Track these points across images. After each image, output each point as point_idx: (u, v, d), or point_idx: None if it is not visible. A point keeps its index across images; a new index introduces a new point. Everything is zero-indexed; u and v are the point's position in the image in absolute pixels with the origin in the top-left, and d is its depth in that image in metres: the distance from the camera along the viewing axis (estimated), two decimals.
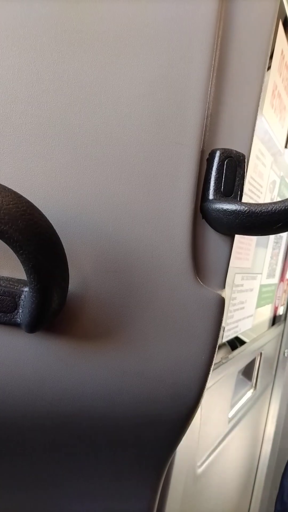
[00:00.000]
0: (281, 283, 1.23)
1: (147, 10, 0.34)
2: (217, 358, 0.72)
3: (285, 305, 1.39)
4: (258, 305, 0.95)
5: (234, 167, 0.36)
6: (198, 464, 0.70)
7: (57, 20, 0.32)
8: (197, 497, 0.72)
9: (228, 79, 0.37)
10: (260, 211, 0.34)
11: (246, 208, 0.34)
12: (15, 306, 0.31)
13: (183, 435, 0.40)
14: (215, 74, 0.37)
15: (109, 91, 0.33)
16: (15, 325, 0.31)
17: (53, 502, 0.39)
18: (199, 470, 0.71)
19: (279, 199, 0.90)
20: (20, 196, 0.25)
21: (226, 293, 0.63)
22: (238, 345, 0.86)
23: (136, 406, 0.37)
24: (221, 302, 0.38)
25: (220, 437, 0.81)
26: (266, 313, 1.11)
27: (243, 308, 0.77)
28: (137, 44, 0.34)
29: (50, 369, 0.34)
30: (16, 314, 0.31)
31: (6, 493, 0.38)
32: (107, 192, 0.34)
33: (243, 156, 0.37)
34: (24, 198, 0.25)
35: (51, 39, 0.32)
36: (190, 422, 0.40)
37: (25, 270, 0.26)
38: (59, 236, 0.29)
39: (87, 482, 0.40)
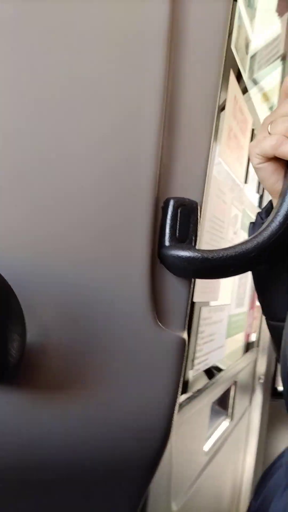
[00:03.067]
0: (251, 310, 1.26)
1: (96, 66, 0.36)
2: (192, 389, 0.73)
3: (257, 332, 1.42)
4: (229, 335, 0.97)
5: (188, 215, 0.39)
6: (175, 501, 0.69)
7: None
8: None
9: (179, 129, 0.40)
10: (212, 257, 0.36)
11: (199, 255, 0.36)
12: None
13: (152, 477, 0.40)
14: (166, 126, 0.39)
15: (64, 147, 0.35)
16: None
17: None
18: (176, 508, 0.70)
19: (242, 232, 0.93)
20: None
21: (193, 328, 0.64)
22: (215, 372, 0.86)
23: (102, 453, 0.37)
24: (182, 343, 0.39)
25: (196, 472, 0.81)
26: (239, 341, 1.13)
27: (212, 340, 0.79)
28: (88, 101, 0.35)
29: (11, 421, 0.34)
30: None
31: None
32: (64, 243, 0.35)
33: (196, 203, 0.39)
34: None
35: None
36: (159, 464, 0.40)
37: None
38: (15, 287, 0.29)
39: None
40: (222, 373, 0.93)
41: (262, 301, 0.48)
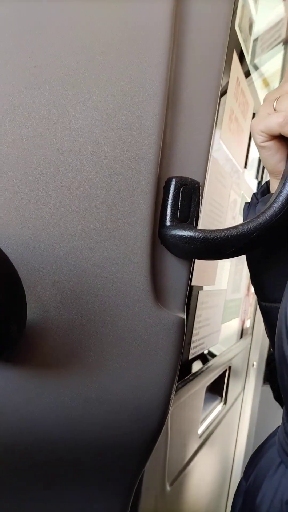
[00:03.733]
0: (247, 297, 1.26)
1: (100, 43, 0.35)
2: (186, 374, 0.73)
3: (252, 318, 1.43)
4: (225, 320, 0.98)
5: (190, 194, 0.38)
6: (169, 481, 0.70)
7: (12, 54, 0.33)
8: None
9: (182, 109, 0.39)
10: (214, 237, 0.35)
11: (200, 235, 0.35)
12: None
13: (149, 457, 0.40)
14: (169, 105, 0.38)
15: (66, 124, 0.34)
16: None
17: None
18: (170, 488, 0.71)
19: (240, 217, 0.93)
20: None
21: (190, 312, 0.64)
22: (209, 358, 0.87)
23: (100, 432, 0.37)
24: (181, 324, 0.39)
25: (190, 454, 0.82)
26: (233, 326, 1.14)
27: (208, 324, 0.79)
28: (92, 77, 0.35)
29: (10, 398, 0.34)
30: None
31: None
32: (65, 220, 0.34)
33: (198, 183, 0.39)
34: None
35: (9, 71, 0.33)
36: (155, 444, 0.40)
37: None
38: (17, 265, 0.29)
39: (54, 507, 0.40)
40: (216, 358, 0.93)
41: (255, 283, 0.48)
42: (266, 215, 0.37)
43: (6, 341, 0.30)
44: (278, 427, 0.52)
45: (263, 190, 0.47)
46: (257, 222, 0.36)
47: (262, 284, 0.46)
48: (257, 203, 0.46)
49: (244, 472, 0.57)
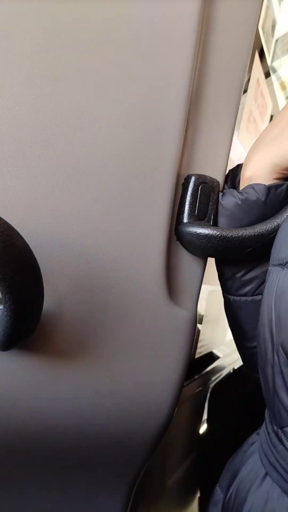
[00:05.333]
0: None
1: (125, 40, 0.35)
2: (190, 374, 0.73)
3: None
4: None
5: (208, 193, 0.38)
6: (169, 477, 0.70)
7: (40, 45, 0.33)
8: (170, 507, 0.72)
9: (205, 108, 0.39)
10: (231, 236, 0.35)
11: (218, 233, 0.35)
12: None
13: (155, 451, 0.41)
14: (192, 103, 0.38)
15: (88, 117, 0.34)
16: None
17: None
18: (170, 483, 0.71)
19: None
20: None
21: (198, 311, 0.64)
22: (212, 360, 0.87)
23: (108, 424, 0.38)
24: (193, 321, 0.39)
25: (190, 452, 0.82)
26: None
27: (216, 324, 0.79)
28: (115, 73, 0.35)
29: (23, 387, 0.34)
30: None
31: None
32: (84, 214, 0.34)
33: (217, 182, 0.39)
34: (2, 219, 0.26)
35: (33, 63, 0.33)
36: (161, 440, 0.40)
37: (0, 290, 0.27)
38: (36, 256, 0.29)
39: (59, 497, 0.40)
40: (221, 359, 0.93)
41: (221, 275, 0.45)
42: (284, 215, 0.37)
43: (21, 330, 0.30)
44: (257, 432, 0.49)
45: (231, 178, 0.43)
46: (275, 223, 0.36)
47: (231, 277, 0.43)
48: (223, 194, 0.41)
49: (220, 480, 0.52)
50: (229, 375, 0.84)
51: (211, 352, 0.86)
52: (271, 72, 0.91)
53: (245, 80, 0.72)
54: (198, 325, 0.71)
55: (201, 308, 0.69)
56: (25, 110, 0.33)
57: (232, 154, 0.68)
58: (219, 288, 0.47)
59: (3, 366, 0.33)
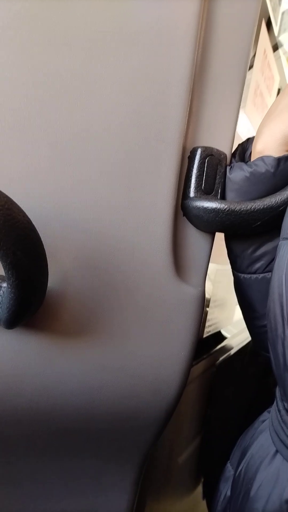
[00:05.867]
0: None
1: (128, 9, 0.34)
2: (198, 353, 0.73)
3: None
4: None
5: (215, 165, 0.37)
6: (178, 454, 0.71)
7: (40, 17, 0.32)
8: (179, 486, 0.73)
9: (210, 77, 0.38)
10: (240, 209, 0.34)
11: (226, 206, 0.34)
12: None
13: (163, 429, 0.40)
14: (197, 72, 0.37)
15: (90, 88, 0.33)
16: None
17: (32, 498, 0.39)
18: (180, 460, 0.72)
19: None
20: None
21: (206, 291, 0.63)
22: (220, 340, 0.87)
23: (117, 401, 0.37)
24: (201, 298, 0.38)
25: (199, 429, 0.82)
26: None
27: (224, 304, 0.78)
28: (119, 42, 0.34)
29: (29, 365, 0.34)
30: None
31: None
32: (87, 188, 0.33)
33: (224, 154, 0.37)
34: (2, 193, 0.25)
35: (31, 33, 0.32)
36: (170, 417, 0.40)
37: (3, 265, 0.26)
38: (39, 231, 0.28)
39: (68, 476, 0.40)
40: (229, 339, 0.93)
41: (230, 252, 0.44)
42: None
43: (26, 307, 0.29)
44: (268, 410, 0.49)
45: (239, 152, 0.42)
46: (285, 195, 0.34)
47: (240, 254, 0.42)
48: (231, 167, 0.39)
49: (231, 456, 0.53)
50: (236, 353, 0.83)
51: (219, 332, 0.86)
52: (280, 44, 0.87)
53: (252, 53, 0.69)
54: (206, 305, 0.71)
55: (208, 288, 0.68)
56: (23, 81, 0.31)
57: (238, 129, 0.66)
58: (227, 267, 0.46)
59: (9, 345, 0.33)
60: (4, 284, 0.30)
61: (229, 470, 0.51)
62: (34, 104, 0.32)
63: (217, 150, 0.37)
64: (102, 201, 0.34)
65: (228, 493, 0.48)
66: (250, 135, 0.42)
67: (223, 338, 0.89)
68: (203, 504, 0.80)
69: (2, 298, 0.30)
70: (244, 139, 0.42)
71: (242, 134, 0.65)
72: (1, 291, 0.30)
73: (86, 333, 0.35)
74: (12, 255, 0.25)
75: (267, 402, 0.52)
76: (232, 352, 0.99)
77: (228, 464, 0.52)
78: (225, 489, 0.49)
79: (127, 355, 0.36)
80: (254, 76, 0.66)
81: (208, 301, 0.69)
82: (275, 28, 0.77)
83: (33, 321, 0.33)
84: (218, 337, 0.86)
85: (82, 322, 0.35)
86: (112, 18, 0.33)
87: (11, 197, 0.26)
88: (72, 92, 0.33)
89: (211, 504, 0.52)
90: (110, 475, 0.41)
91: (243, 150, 0.41)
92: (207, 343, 0.78)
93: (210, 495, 0.73)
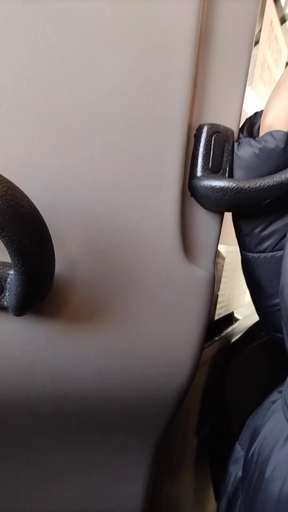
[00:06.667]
0: None
1: None
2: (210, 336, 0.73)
3: None
4: None
5: (222, 143, 0.36)
6: (194, 433, 0.72)
7: (42, 5, 0.31)
8: (194, 468, 0.74)
9: (215, 53, 0.36)
10: (249, 187, 0.33)
11: (234, 185, 0.33)
12: (2, 290, 0.30)
13: (177, 412, 0.40)
14: (201, 47, 0.35)
15: (90, 66, 0.32)
16: (2, 308, 0.30)
17: (45, 484, 0.39)
18: (196, 440, 0.72)
19: None
20: (0, 176, 0.24)
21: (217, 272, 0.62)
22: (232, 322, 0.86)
23: (129, 385, 0.37)
24: (211, 280, 0.38)
25: (211, 413, 0.83)
26: None
27: (235, 286, 0.78)
28: (120, 21, 0.32)
29: (40, 352, 0.34)
30: (3, 298, 0.30)
31: (2, 476, 0.38)
32: (91, 171, 0.33)
33: (231, 131, 0.36)
34: (5, 178, 0.24)
35: (32, 18, 0.31)
36: (184, 400, 0.40)
37: (9, 252, 0.26)
38: (44, 217, 0.28)
39: (81, 461, 0.41)
40: (241, 321, 0.93)
41: (239, 231, 0.42)
42: None
43: (34, 293, 0.29)
44: (279, 391, 0.48)
45: (247, 127, 0.40)
46: None
47: (249, 232, 0.41)
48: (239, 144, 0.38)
49: (240, 437, 0.52)
50: (245, 335, 0.83)
51: (231, 314, 0.85)
52: (286, 18, 0.84)
53: (258, 27, 0.67)
54: (216, 287, 0.70)
55: (219, 269, 0.67)
56: (22, 63, 0.31)
57: (246, 106, 0.65)
58: (238, 249, 0.45)
59: (18, 332, 0.33)
60: (11, 271, 0.29)
61: (238, 451, 0.50)
62: (34, 87, 0.31)
63: (224, 126, 0.36)
64: (106, 183, 0.33)
65: (239, 474, 0.48)
66: (259, 110, 0.41)
67: (235, 319, 0.89)
68: None
69: (10, 285, 0.30)
70: (250, 114, 0.41)
71: (249, 111, 0.63)
72: (9, 279, 0.30)
73: (96, 318, 0.34)
74: (18, 241, 0.25)
75: (276, 381, 0.51)
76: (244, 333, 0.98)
77: (237, 445, 0.52)
78: (235, 470, 0.49)
79: (137, 339, 0.36)
80: (260, 50, 0.64)
81: (219, 283, 0.69)
82: (282, 0, 0.74)
83: (42, 307, 0.33)
84: (230, 318, 0.85)
85: (91, 307, 0.34)
86: None
87: (13, 182, 0.25)
88: (73, 73, 0.32)
89: (220, 485, 0.52)
90: (125, 459, 0.41)
91: (251, 125, 0.40)
92: (218, 325, 0.78)
93: (216, 476, 0.73)
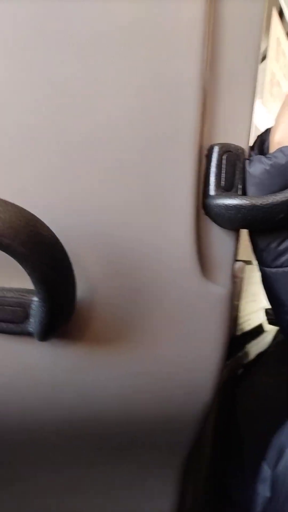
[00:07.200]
0: None
1: (136, 9, 0.34)
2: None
3: None
4: None
5: (234, 161, 0.36)
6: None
7: (46, 21, 0.32)
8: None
9: (222, 73, 0.37)
10: (261, 203, 0.34)
11: (247, 202, 0.34)
12: (27, 316, 0.31)
13: (201, 428, 0.40)
14: (208, 69, 0.37)
15: (100, 93, 0.33)
16: (28, 334, 0.32)
17: (73, 507, 0.40)
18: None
19: None
20: (21, 208, 0.26)
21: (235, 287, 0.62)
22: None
23: (152, 405, 0.38)
24: (228, 297, 0.38)
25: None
26: None
27: (255, 300, 0.77)
28: (127, 43, 0.34)
29: (65, 375, 0.34)
30: (28, 324, 0.31)
31: (27, 498, 0.38)
32: (105, 195, 0.34)
33: (242, 149, 0.37)
34: (25, 210, 0.26)
35: (40, 38, 0.32)
36: (207, 417, 0.40)
37: (32, 281, 0.27)
38: (63, 243, 0.29)
39: (107, 483, 0.41)
40: (263, 336, 0.91)
41: (255, 247, 0.42)
42: None
43: (57, 319, 0.30)
44: None
45: (258, 144, 0.41)
46: None
47: (265, 248, 0.41)
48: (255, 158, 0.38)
49: (267, 456, 0.49)
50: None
51: (259, 327, 0.84)
52: None
53: (265, 44, 0.68)
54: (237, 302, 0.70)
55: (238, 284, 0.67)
56: (33, 90, 0.32)
57: (258, 121, 0.65)
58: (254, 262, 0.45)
59: (44, 356, 0.34)
60: (35, 298, 0.31)
61: (266, 470, 0.49)
62: (45, 113, 0.32)
63: (234, 145, 0.37)
64: (121, 207, 0.34)
65: (267, 494, 0.47)
66: (269, 127, 0.42)
67: (259, 332, 0.88)
68: None
69: (34, 311, 0.31)
70: (262, 129, 0.42)
71: (261, 126, 0.64)
72: (33, 305, 0.31)
73: (116, 340, 0.35)
74: (40, 270, 0.26)
75: None
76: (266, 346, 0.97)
77: (264, 465, 0.51)
78: (264, 491, 0.48)
79: (158, 360, 0.36)
80: (269, 66, 0.65)
81: (239, 298, 0.68)
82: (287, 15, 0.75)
83: (66, 331, 0.34)
84: (254, 333, 0.84)
85: (111, 330, 0.35)
86: (115, 18, 0.33)
87: (32, 212, 0.27)
88: (77, 97, 0.33)
89: (247, 506, 0.51)
90: (151, 478, 0.41)
91: (262, 142, 0.41)
92: (242, 339, 0.77)
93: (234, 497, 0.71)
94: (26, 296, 0.31)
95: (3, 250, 0.25)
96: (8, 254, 0.25)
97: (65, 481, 0.39)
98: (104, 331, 0.35)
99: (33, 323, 0.31)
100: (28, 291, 0.31)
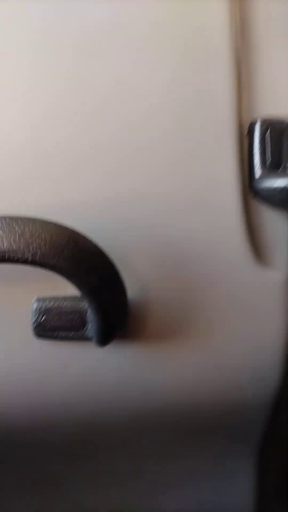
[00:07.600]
0: None
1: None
2: None
3: None
4: None
5: (279, 137, 0.34)
6: None
7: (64, 17, 0.31)
8: None
9: (255, 42, 0.34)
10: None
11: None
12: (85, 322, 0.32)
13: (273, 417, 0.40)
14: (239, 39, 0.34)
15: (127, 91, 0.32)
16: (88, 340, 0.33)
17: (159, 495, 0.42)
18: None
19: None
20: (61, 226, 0.26)
21: None
22: None
23: (220, 394, 0.38)
24: (287, 280, 0.36)
25: None
26: None
27: None
28: (154, 22, 0.32)
29: (132, 375, 0.35)
30: (87, 330, 0.32)
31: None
32: (145, 190, 0.33)
33: (287, 123, 0.34)
34: (65, 227, 0.26)
35: (60, 34, 0.31)
36: (277, 404, 0.39)
37: (81, 294, 0.27)
38: (106, 249, 0.29)
39: (190, 470, 0.42)
40: None
41: None
42: None
43: (114, 325, 0.31)
44: None
45: None
46: None
47: None
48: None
49: None
50: None
51: None
52: None
53: None
54: None
55: None
56: (68, 99, 0.32)
57: None
58: None
59: (108, 359, 0.35)
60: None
61: None
62: (71, 117, 0.32)
63: (277, 119, 0.34)
64: (163, 200, 0.33)
65: None
66: None
67: None
68: None
69: (90, 318, 0.32)
70: None
71: None
72: (89, 312, 0.32)
73: (176, 336, 0.35)
74: (86, 283, 0.27)
75: None
76: None
77: None
78: None
79: (220, 350, 0.36)
80: None
81: None
82: None
83: (124, 333, 0.34)
84: None
85: (171, 325, 0.35)
86: (141, 14, 0.32)
87: (72, 225, 0.27)
88: (110, 96, 0.32)
89: None
90: (229, 467, 0.42)
91: None
92: None
93: None
94: (81, 303, 0.32)
95: (49, 270, 0.26)
96: (54, 273, 0.26)
97: (143, 475, 0.41)
98: (162, 327, 0.35)
99: (91, 329, 0.32)
100: (83, 298, 0.32)
